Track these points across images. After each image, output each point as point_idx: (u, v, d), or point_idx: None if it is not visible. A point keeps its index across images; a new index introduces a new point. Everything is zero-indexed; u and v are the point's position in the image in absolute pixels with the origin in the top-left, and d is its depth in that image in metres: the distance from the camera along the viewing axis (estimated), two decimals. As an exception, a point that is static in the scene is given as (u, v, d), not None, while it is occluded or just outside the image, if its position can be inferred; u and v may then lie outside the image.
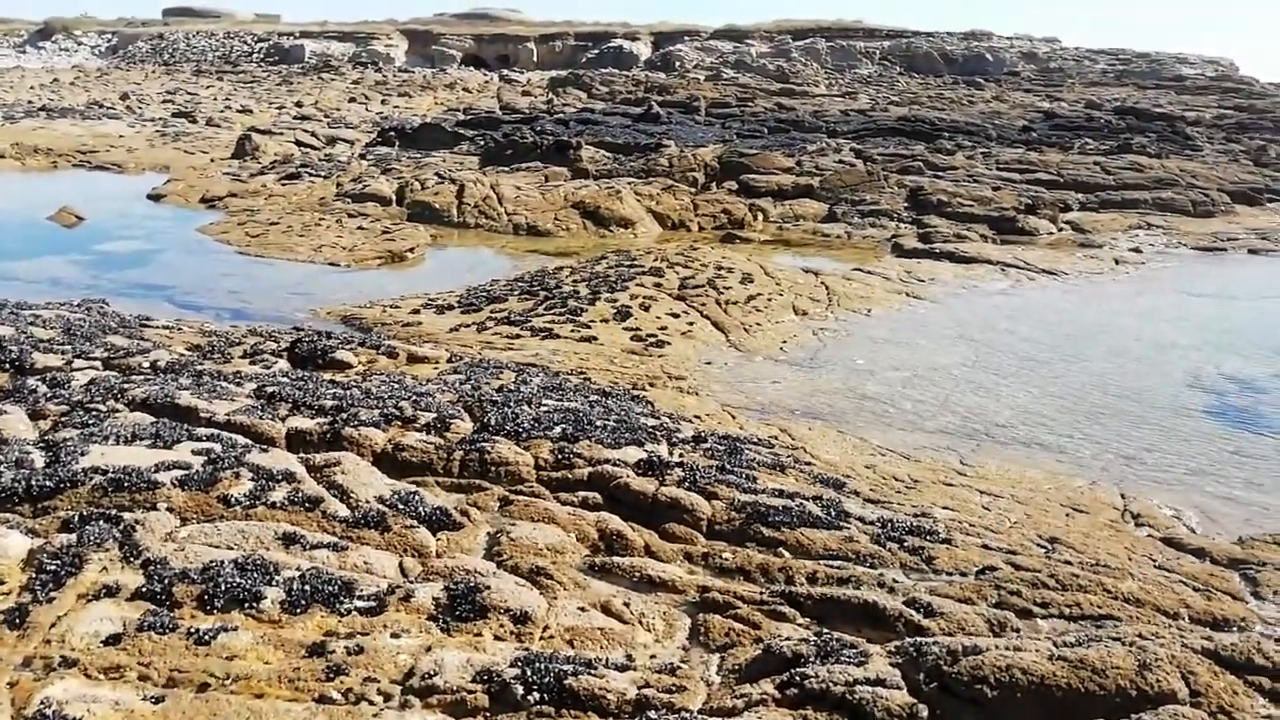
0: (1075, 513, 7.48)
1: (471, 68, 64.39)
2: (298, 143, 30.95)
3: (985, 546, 5.88)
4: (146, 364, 8.23)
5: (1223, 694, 3.74)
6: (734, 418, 9.52)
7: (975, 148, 27.34)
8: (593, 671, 4.12)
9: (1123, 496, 8.19)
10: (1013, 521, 6.89)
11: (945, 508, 6.96)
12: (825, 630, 4.41)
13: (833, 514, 6.07)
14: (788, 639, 4.31)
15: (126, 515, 5.13)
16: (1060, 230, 21.07)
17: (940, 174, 23.91)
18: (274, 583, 4.70)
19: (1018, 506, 7.40)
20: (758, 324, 13.00)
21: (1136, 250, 19.57)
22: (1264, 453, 9.54)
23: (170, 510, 5.28)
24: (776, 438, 8.72)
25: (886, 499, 6.93)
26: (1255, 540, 7.03)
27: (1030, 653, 3.91)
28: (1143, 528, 7.40)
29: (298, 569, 4.84)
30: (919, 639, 4.22)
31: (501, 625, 4.54)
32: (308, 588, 4.69)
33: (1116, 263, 18.40)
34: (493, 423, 7.04)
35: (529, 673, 4.07)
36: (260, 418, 6.73)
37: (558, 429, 6.98)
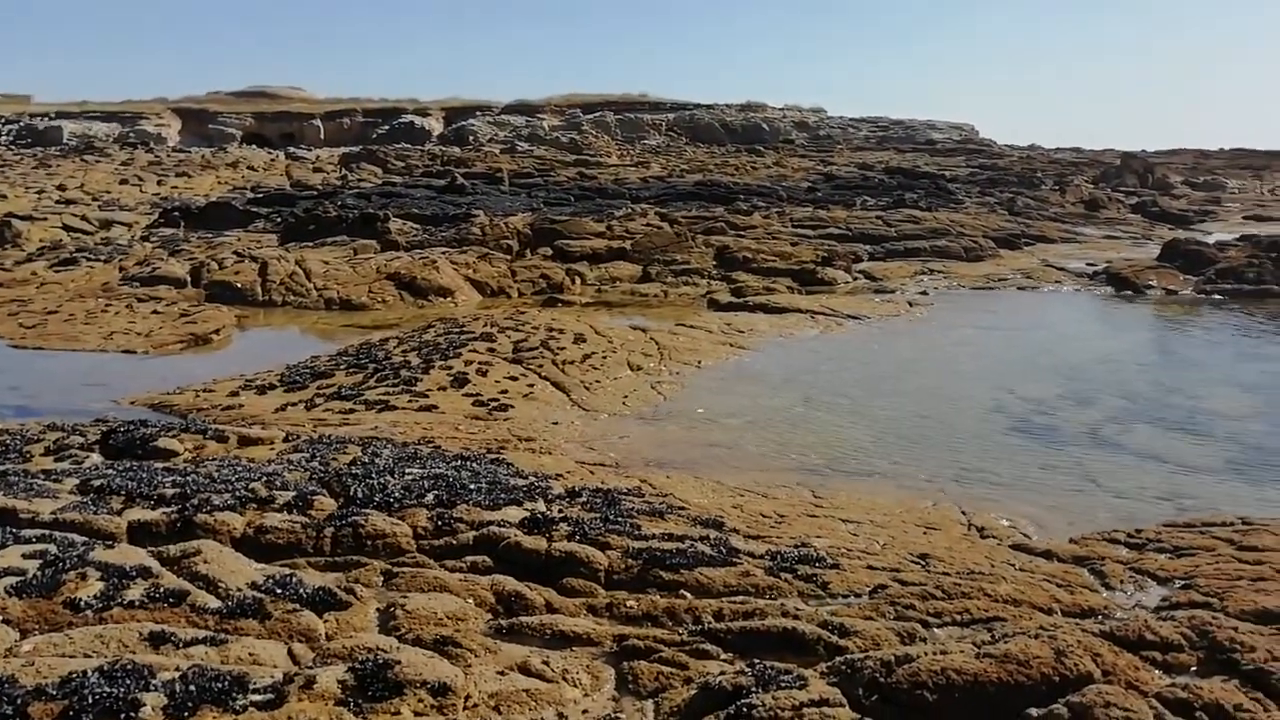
0: (930, 530, 7.92)
1: (254, 146, 61.85)
2: (66, 227, 28.54)
3: (870, 567, 6.10)
4: (-65, 468, 7.21)
5: (1127, 670, 4.03)
6: (593, 473, 9.46)
7: (770, 208, 29.02)
8: (533, 734, 3.91)
9: (964, 513, 8.74)
10: (882, 544, 7.20)
11: (819, 537, 7.17)
12: (756, 661, 4.41)
13: (724, 552, 6.13)
14: (723, 674, 4.27)
15: (-46, 634, 4.42)
16: (855, 279, 22.65)
17: (742, 233, 25.16)
18: (151, 687, 4.17)
19: (880, 530, 7.74)
20: (597, 382, 13.06)
21: (924, 293, 21.32)
22: (1066, 463, 10.50)
23: (8, 622, 4.60)
24: (640, 488, 8.72)
25: (764, 534, 7.07)
26: (1087, 539, 7.68)
27: (958, 654, 4.07)
28: (989, 538, 7.92)
29: (176, 669, 4.32)
30: (850, 656, 4.31)
31: (420, 700, 4.23)
32: (192, 688, 4.19)
33: (910, 305, 19.94)
34: (359, 496, 6.64)
35: (468, 744, 3.81)
36: (94, 513, 6.02)
37: (430, 495, 6.68)
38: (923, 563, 6.49)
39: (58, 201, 35.05)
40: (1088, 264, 24.57)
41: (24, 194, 37.46)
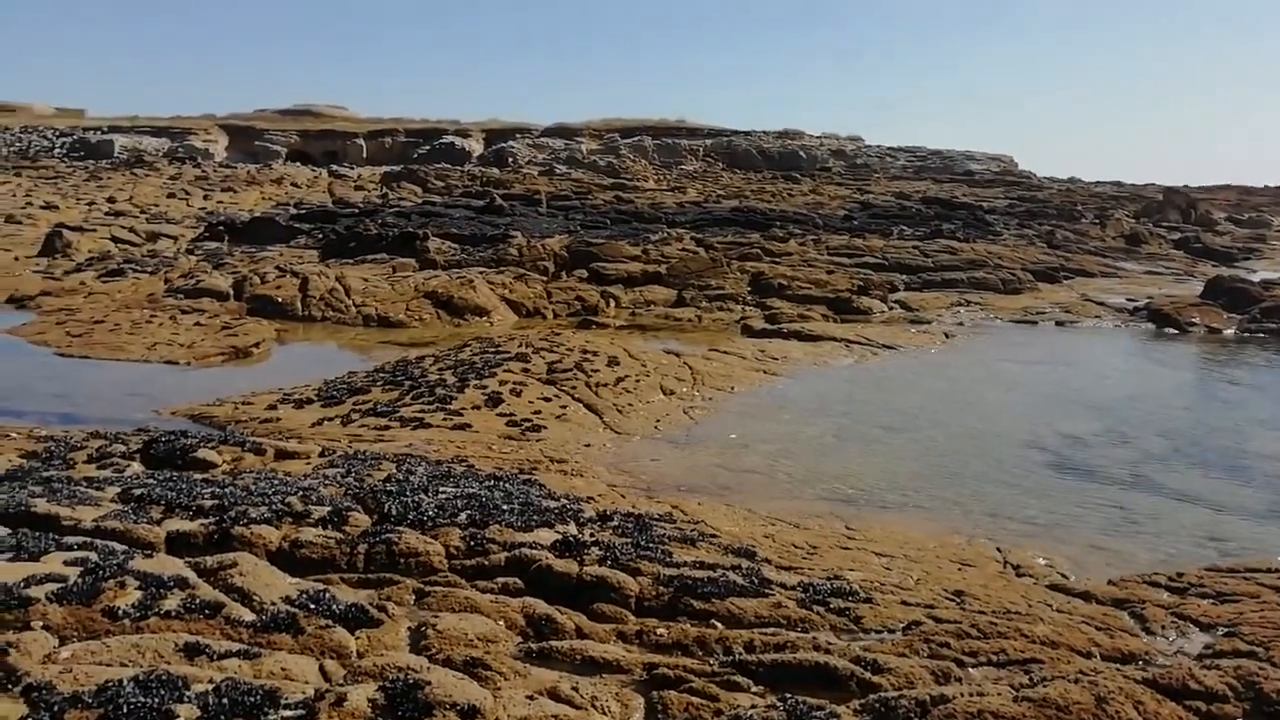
0: (965, 566, 7.80)
1: (298, 163, 62.93)
2: (114, 239, 29.18)
3: (904, 603, 6.03)
4: (-17, 473, 7.36)
5: None
6: (624, 497, 9.44)
7: (805, 235, 28.98)
8: (561, 761, 3.89)
9: (999, 550, 8.60)
10: (916, 579, 7.10)
11: (851, 570, 7.10)
12: (787, 695, 4.36)
13: (755, 582, 6.08)
14: (754, 707, 4.23)
15: (-4, 638, 4.49)
16: (891, 309, 22.51)
17: (777, 259, 25.14)
18: (185, 699, 4.20)
19: (914, 565, 7.64)
20: (630, 405, 13.06)
21: (961, 325, 21.14)
22: (1105, 502, 10.30)
23: (48, 629, 4.66)
24: (671, 514, 8.69)
25: (796, 565, 7.01)
26: (1126, 581, 7.53)
27: (994, 697, 4.00)
28: (1025, 577, 7.79)
29: (210, 681, 4.36)
30: (884, 694, 4.24)
31: (450, 722, 4.23)
32: (225, 701, 4.22)
33: (946, 336, 19.77)
34: (393, 513, 6.68)
35: (497, 768, 3.80)
36: (134, 522, 6.12)
37: (464, 515, 6.70)
38: (957, 600, 6.39)
39: (107, 213, 35.86)
40: (1128, 299, 24.24)
41: (75, 205, 38.40)
